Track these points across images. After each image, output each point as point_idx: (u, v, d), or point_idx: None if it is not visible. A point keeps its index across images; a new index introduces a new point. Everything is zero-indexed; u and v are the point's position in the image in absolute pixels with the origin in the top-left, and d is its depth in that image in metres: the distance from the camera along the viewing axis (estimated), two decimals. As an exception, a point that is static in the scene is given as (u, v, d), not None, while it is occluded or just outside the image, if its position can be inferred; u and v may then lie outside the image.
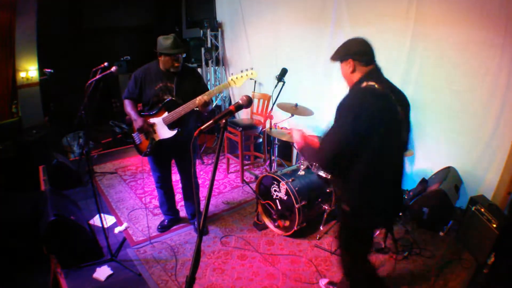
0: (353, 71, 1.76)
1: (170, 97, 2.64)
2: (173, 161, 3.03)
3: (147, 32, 6.40)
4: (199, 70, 5.53)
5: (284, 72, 3.35)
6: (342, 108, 1.65)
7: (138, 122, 2.68)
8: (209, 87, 3.06)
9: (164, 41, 2.59)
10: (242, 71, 2.51)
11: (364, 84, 1.67)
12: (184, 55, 2.70)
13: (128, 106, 2.77)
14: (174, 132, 2.68)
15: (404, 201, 3.27)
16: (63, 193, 3.30)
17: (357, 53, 1.75)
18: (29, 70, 4.94)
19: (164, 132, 2.70)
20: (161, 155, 2.89)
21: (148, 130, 2.72)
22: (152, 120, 2.71)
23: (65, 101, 5.22)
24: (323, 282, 2.47)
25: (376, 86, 1.65)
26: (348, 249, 1.97)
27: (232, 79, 2.51)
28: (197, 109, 2.58)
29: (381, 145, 1.62)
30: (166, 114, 2.65)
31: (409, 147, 1.92)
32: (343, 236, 1.96)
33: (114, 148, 5.31)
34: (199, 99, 2.50)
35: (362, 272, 1.98)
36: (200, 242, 1.29)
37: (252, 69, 2.50)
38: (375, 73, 1.76)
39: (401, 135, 1.75)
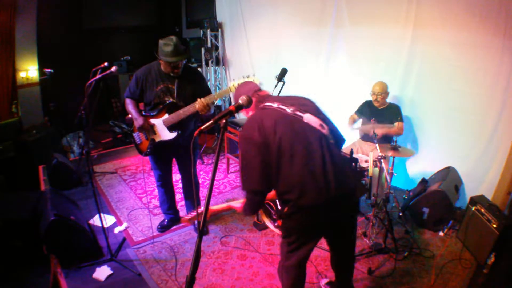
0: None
1: (171, 99, 2.64)
2: (174, 160, 3.04)
3: (147, 32, 6.41)
4: (199, 70, 5.52)
5: (284, 72, 3.35)
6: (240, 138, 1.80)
7: (139, 121, 2.68)
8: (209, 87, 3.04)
9: (165, 47, 2.51)
10: (243, 77, 2.48)
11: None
12: (185, 61, 2.66)
13: (129, 105, 2.76)
14: (174, 135, 2.67)
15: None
16: (63, 193, 3.30)
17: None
18: (29, 70, 4.94)
19: (165, 134, 2.70)
20: (162, 155, 2.89)
21: (149, 129, 2.72)
22: (152, 121, 2.71)
23: (65, 101, 5.22)
24: (323, 282, 2.47)
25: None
26: None
27: (233, 85, 2.49)
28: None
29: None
30: (166, 115, 2.65)
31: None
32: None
33: (114, 148, 5.30)
34: (199, 103, 2.48)
35: None
36: (200, 242, 1.29)
37: (254, 75, 2.47)
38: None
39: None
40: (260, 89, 1.94)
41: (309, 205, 1.67)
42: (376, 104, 3.37)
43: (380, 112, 3.33)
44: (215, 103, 5.77)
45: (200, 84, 2.75)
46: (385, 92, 3.30)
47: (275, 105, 1.79)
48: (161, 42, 2.55)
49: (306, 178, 1.65)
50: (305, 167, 1.65)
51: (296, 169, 1.65)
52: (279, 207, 3.02)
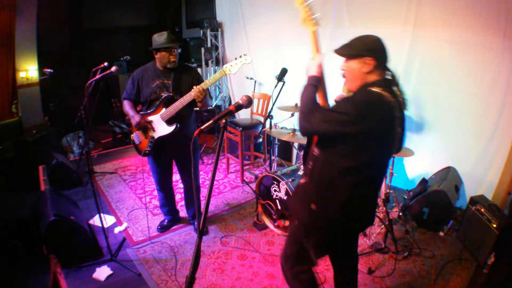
0: (370, 71, 1.52)
1: (167, 94, 2.66)
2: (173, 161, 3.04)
3: (147, 32, 6.38)
4: (199, 70, 5.52)
5: (284, 72, 3.35)
6: (351, 101, 1.50)
7: (135, 118, 2.69)
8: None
9: (159, 37, 2.63)
10: (236, 58, 2.55)
11: (376, 89, 1.48)
12: (180, 50, 2.73)
13: (126, 106, 2.79)
14: (172, 128, 2.66)
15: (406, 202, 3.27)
16: (63, 193, 3.30)
17: (379, 52, 1.53)
18: (29, 70, 4.95)
19: (163, 129, 2.69)
20: (161, 156, 2.88)
21: (146, 126, 2.72)
22: (150, 118, 2.71)
23: (65, 101, 5.22)
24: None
25: (390, 99, 1.49)
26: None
27: (226, 67, 2.56)
28: (197, 109, 2.57)
29: (369, 157, 1.53)
30: (164, 110, 2.66)
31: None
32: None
33: (114, 148, 5.31)
34: (195, 90, 2.51)
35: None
36: (200, 242, 1.29)
37: (245, 55, 2.54)
38: (392, 82, 1.57)
39: (390, 154, 1.71)
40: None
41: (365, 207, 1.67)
42: None
43: None
44: (215, 103, 5.80)
45: (196, 78, 2.78)
46: None
47: None
48: (154, 35, 2.66)
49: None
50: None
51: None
52: (279, 207, 3.03)
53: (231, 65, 2.55)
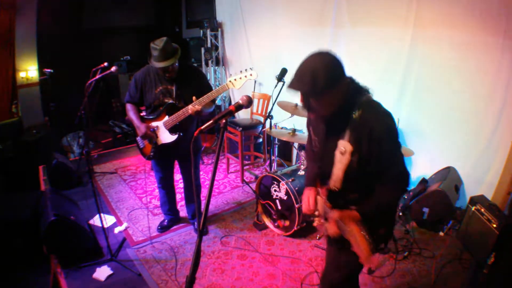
0: (347, 92, 1.44)
1: (170, 100, 2.61)
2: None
3: (147, 32, 6.41)
4: (199, 68, 5.53)
5: (284, 72, 3.35)
6: (389, 129, 1.44)
7: (141, 129, 2.64)
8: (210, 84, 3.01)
9: (153, 51, 2.44)
10: (241, 72, 2.43)
11: (366, 97, 1.48)
12: (176, 64, 2.56)
13: (130, 111, 2.72)
14: (175, 137, 2.64)
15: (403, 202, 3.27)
16: (63, 193, 3.30)
17: (342, 68, 1.43)
18: (29, 70, 4.94)
19: (166, 137, 2.67)
20: (164, 157, 2.88)
21: (151, 136, 2.69)
22: (153, 123, 2.68)
23: (65, 101, 5.22)
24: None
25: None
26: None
27: (230, 81, 2.44)
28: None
29: None
30: (166, 117, 2.63)
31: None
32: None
33: (114, 148, 5.31)
34: (191, 109, 2.45)
35: None
36: (200, 242, 1.29)
37: (251, 69, 2.41)
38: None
39: None
40: None
41: None
42: None
43: None
44: (216, 101, 5.79)
45: (200, 82, 2.69)
46: None
47: None
48: (151, 45, 2.46)
49: None
50: None
51: None
52: (279, 207, 3.03)
53: (235, 79, 2.41)
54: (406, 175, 1.48)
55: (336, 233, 1.51)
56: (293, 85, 1.41)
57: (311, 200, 1.65)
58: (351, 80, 1.49)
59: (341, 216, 1.48)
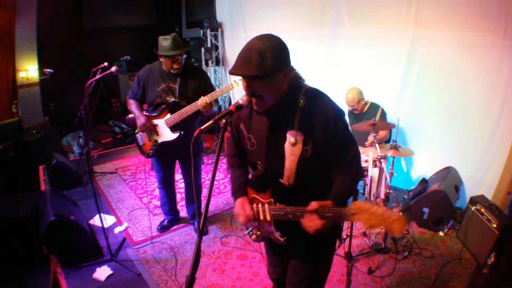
0: (293, 77, 1.40)
1: (173, 99, 2.62)
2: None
3: (147, 32, 6.42)
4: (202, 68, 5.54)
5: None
6: (340, 111, 1.41)
7: (141, 120, 2.66)
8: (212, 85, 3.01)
9: (163, 42, 2.53)
10: None
11: (307, 85, 1.43)
12: (185, 56, 2.65)
13: (132, 105, 2.75)
14: (176, 135, 2.65)
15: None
16: (63, 193, 3.30)
17: (288, 51, 1.36)
18: (29, 70, 4.95)
19: (167, 134, 2.67)
20: (165, 157, 2.87)
21: (150, 129, 2.70)
22: (155, 121, 2.68)
23: (65, 101, 5.23)
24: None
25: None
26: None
27: (235, 81, 2.48)
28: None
29: None
30: (168, 115, 2.63)
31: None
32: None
33: (114, 148, 5.31)
34: (201, 100, 2.47)
35: None
36: (200, 242, 1.29)
37: None
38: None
39: None
40: None
41: None
42: (356, 112, 3.39)
43: (362, 117, 3.33)
44: (218, 101, 5.79)
45: (203, 82, 2.71)
46: (359, 99, 3.30)
47: None
48: (160, 38, 2.56)
49: None
50: None
51: None
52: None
53: (239, 79, 2.46)
54: (360, 156, 1.45)
55: (321, 224, 1.31)
56: (238, 69, 1.27)
57: (246, 207, 1.51)
58: (293, 67, 1.41)
59: (321, 205, 1.32)
